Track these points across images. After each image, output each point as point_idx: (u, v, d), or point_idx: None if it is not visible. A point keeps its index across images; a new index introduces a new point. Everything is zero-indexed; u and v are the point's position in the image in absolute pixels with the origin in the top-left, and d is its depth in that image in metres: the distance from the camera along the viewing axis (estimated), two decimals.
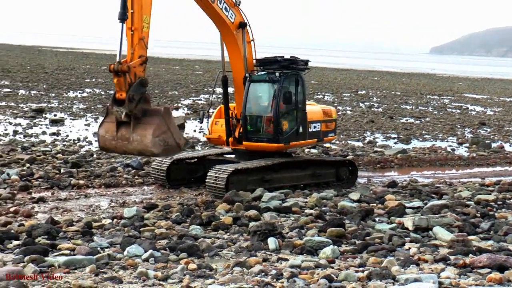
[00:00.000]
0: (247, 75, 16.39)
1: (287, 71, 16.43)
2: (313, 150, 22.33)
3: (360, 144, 26.24)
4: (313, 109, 17.60)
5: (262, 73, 16.58)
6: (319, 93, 50.60)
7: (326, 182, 17.29)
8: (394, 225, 12.81)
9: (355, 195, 15.48)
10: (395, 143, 27.45)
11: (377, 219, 13.44)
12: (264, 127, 16.28)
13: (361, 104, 44.02)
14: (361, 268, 9.92)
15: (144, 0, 13.56)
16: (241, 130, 16.36)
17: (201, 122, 18.82)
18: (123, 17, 13.26)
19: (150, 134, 13.22)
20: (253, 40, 16.56)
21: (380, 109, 41.47)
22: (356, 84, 65.59)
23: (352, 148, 24.43)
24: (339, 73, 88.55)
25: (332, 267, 9.98)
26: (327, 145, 23.19)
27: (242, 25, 16.26)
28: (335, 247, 10.95)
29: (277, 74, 16.23)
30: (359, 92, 54.90)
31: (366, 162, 21.81)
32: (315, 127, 17.18)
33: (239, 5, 16.17)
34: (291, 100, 16.17)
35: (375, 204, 14.93)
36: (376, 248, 11.03)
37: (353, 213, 13.51)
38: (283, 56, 17.16)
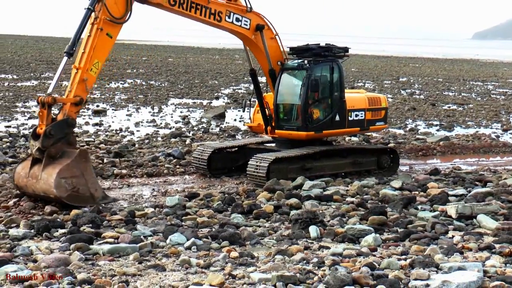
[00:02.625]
0: (278, 63, 16.36)
1: (318, 59, 16.32)
2: (353, 138, 22.18)
3: (401, 131, 25.98)
4: (355, 96, 17.46)
5: (294, 62, 16.55)
6: (359, 81, 50.21)
7: (367, 170, 17.17)
8: (437, 213, 12.66)
9: (396, 183, 15.34)
10: (438, 130, 27.08)
11: (419, 207, 13.30)
12: (294, 116, 16.27)
13: (402, 91, 43.53)
14: (403, 256, 9.84)
15: (100, 45, 13.28)
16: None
17: (244, 111, 18.91)
18: (69, 51, 13.10)
19: (55, 174, 12.25)
20: (277, 34, 16.50)
21: (421, 96, 40.95)
22: (397, 71, 64.86)
23: (393, 136, 24.20)
24: (379, 60, 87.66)
25: (374, 255, 9.92)
26: (369, 133, 23.00)
27: (260, 28, 16.16)
28: (377, 235, 10.88)
29: (305, 62, 16.19)
30: (400, 79, 54.29)
31: (407, 150, 21.58)
32: (357, 115, 17.03)
33: (250, 10, 16.03)
34: (318, 88, 16.05)
35: (417, 192, 14.77)
36: (418, 236, 10.92)
37: (395, 201, 13.39)
38: (319, 44, 17.09)
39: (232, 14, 15.75)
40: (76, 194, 12.55)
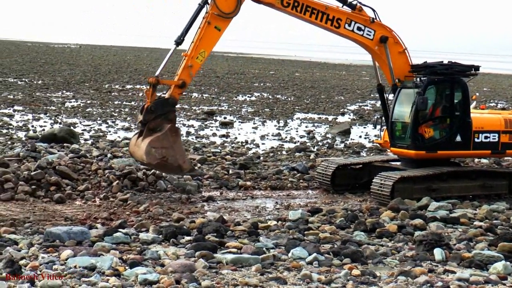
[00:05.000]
0: (396, 80, 16.14)
1: (434, 77, 15.85)
2: (483, 160, 21.34)
3: None
4: (486, 117, 16.81)
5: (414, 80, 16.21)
6: (491, 101, 48.31)
7: (497, 194, 16.44)
8: None
9: None
10: None
11: None
12: (407, 134, 15.96)
13: None
14: None
15: (207, 36, 14.49)
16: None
17: (375, 128, 18.81)
18: (177, 41, 14.53)
19: (148, 143, 13.82)
20: (406, 49, 16.21)
21: None
22: None
23: None
24: None
25: (504, 284, 9.49)
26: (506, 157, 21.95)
27: (383, 39, 15.94)
28: (507, 263, 10.38)
29: (417, 80, 15.80)
30: None
31: None
32: (486, 137, 16.36)
33: (372, 22, 15.84)
34: (426, 107, 15.58)
35: None
36: None
37: None
38: (442, 62, 16.64)
39: (353, 22, 15.75)
40: (164, 163, 14.01)
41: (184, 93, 42.54)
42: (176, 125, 14.87)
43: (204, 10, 14.64)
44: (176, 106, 14.80)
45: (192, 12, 14.69)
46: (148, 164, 14.23)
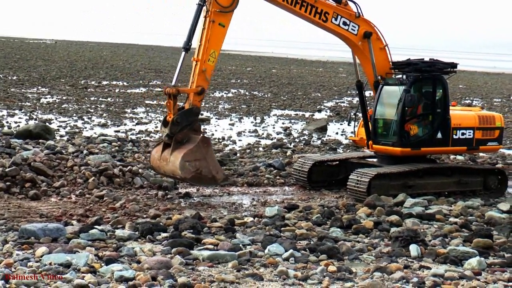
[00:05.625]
0: (379, 77, 16.19)
1: (418, 74, 15.97)
2: (459, 157, 21.55)
3: (511, 152, 24.98)
4: (462, 114, 16.97)
5: (397, 77, 16.29)
6: (467, 98, 48.76)
7: (472, 191, 16.61)
8: None
9: (504, 206, 14.76)
10: None
11: None
12: (391, 131, 16.03)
13: None
14: (510, 283, 9.46)
15: (214, 35, 14.16)
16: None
17: (349, 124, 18.86)
18: (185, 47, 14.18)
19: (181, 157, 13.56)
20: (386, 45, 16.29)
21: None
22: (509, 89, 62.46)
23: (502, 156, 23.31)
24: (489, 77, 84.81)
25: (478, 279, 9.58)
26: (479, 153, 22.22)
27: (367, 35, 15.99)
28: (482, 258, 10.50)
29: (404, 77, 15.89)
30: None
31: None
32: (463, 134, 16.52)
33: (358, 17, 15.91)
34: (414, 104, 15.68)
35: None
36: None
37: (502, 224, 12.89)
38: (422, 59, 16.74)
39: (339, 17, 15.76)
40: (199, 175, 13.83)
41: (160, 89, 42.51)
42: (207, 136, 14.58)
43: (204, 11, 14.28)
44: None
45: (193, 14, 14.28)
46: (183, 178, 14.00)
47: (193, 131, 14.02)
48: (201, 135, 14.20)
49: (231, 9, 14.44)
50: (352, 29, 15.94)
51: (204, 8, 14.22)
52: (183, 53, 14.27)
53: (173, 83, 14.10)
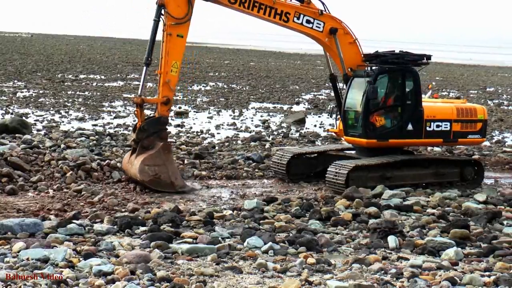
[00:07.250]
0: (349, 70, 16.30)
1: (385, 66, 16.05)
2: (436, 149, 21.71)
3: (487, 143, 25.23)
4: (437, 106, 17.07)
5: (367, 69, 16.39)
6: (444, 90, 49.13)
7: (449, 182, 16.74)
8: None
9: (481, 196, 14.91)
10: None
11: (505, 222, 12.86)
12: (358, 122, 16.14)
13: (489, 102, 42.29)
14: (487, 273, 9.56)
15: (173, 47, 14.63)
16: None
17: (330, 117, 19.00)
18: (146, 62, 14.79)
19: (141, 161, 14.29)
20: (356, 39, 16.36)
21: (510, 107, 39.67)
22: (484, 81, 63.03)
23: (478, 148, 23.54)
24: (465, 69, 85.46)
25: (455, 270, 9.68)
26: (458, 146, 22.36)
27: (333, 31, 16.07)
28: (459, 249, 10.61)
29: (370, 69, 15.98)
30: (488, 89, 52.77)
31: (493, 163, 20.91)
32: (438, 126, 16.60)
33: (321, 14, 15.97)
34: (377, 96, 15.73)
35: (502, 207, 14.29)
36: (504, 252, 10.56)
37: (479, 215, 13.02)
38: (393, 51, 16.83)
39: (302, 15, 15.84)
40: (158, 180, 14.36)
41: (137, 83, 42.24)
42: (168, 143, 15.21)
43: (161, 25, 14.73)
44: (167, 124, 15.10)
45: (150, 30, 14.80)
46: (141, 181, 14.40)
47: (160, 139, 14.65)
48: (163, 143, 14.67)
49: (186, 19, 14.77)
50: (317, 26, 16.02)
51: (162, 22, 14.63)
52: (145, 68, 14.85)
53: (139, 93, 14.86)
